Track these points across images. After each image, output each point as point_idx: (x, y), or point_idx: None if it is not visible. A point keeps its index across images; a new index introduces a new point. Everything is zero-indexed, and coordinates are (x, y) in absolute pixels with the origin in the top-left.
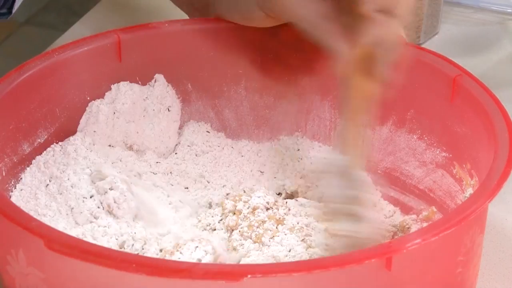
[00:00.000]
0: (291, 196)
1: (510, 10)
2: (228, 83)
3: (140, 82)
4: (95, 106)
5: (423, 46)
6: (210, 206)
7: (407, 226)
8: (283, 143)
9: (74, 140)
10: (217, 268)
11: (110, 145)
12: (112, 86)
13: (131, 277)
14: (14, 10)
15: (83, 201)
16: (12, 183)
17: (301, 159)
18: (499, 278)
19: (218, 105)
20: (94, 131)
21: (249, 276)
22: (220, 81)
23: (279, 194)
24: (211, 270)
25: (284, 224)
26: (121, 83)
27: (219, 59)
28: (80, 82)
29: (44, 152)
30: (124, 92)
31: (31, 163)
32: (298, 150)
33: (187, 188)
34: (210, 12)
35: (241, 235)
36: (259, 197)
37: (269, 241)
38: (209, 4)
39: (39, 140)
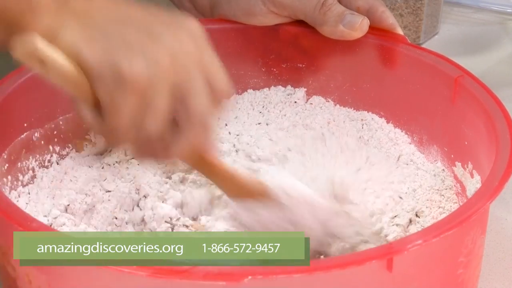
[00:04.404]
0: None
1: (510, 10)
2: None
3: None
4: None
5: (423, 46)
6: None
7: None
8: None
9: None
10: (218, 269)
11: None
12: None
13: (132, 278)
14: None
15: None
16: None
17: None
18: (499, 278)
19: None
20: None
21: (249, 277)
22: None
23: None
24: (211, 271)
25: None
26: None
27: (220, 60)
28: None
29: None
30: None
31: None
32: None
33: None
34: (213, 13)
35: None
36: None
37: None
38: (212, 5)
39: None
